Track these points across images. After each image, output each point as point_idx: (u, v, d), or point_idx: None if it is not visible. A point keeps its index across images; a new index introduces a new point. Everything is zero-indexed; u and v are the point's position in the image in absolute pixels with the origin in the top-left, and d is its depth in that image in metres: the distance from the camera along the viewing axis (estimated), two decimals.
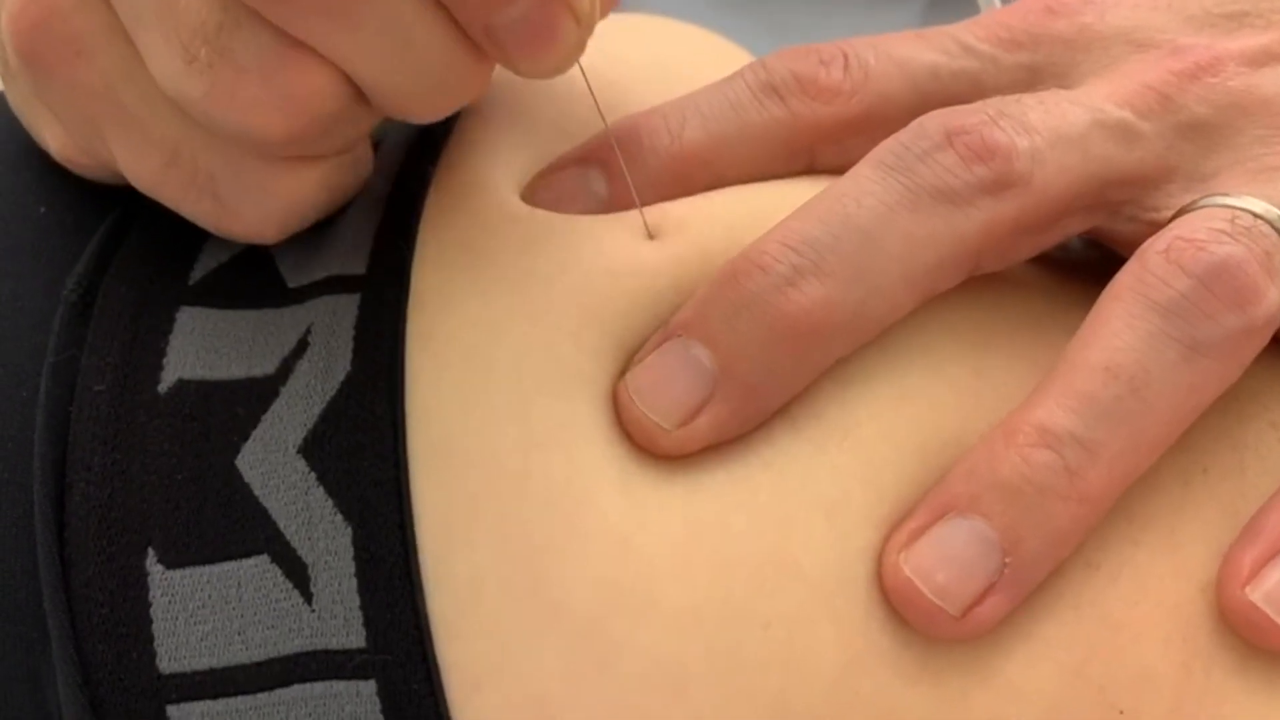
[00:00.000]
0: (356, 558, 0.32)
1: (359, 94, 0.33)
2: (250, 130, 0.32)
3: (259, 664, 0.32)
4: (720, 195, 0.36)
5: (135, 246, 0.36)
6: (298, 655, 0.32)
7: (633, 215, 0.35)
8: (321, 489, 0.33)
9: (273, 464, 0.33)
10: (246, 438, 0.33)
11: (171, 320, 0.35)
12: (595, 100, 0.34)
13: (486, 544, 0.32)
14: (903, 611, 0.32)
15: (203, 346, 0.34)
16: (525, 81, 0.35)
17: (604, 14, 0.35)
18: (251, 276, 0.36)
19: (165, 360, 0.34)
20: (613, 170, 0.36)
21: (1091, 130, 0.35)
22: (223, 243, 0.36)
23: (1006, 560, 0.32)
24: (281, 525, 0.33)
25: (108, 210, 0.37)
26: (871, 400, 0.34)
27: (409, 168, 0.37)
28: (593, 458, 0.33)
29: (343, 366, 0.34)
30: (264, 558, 0.32)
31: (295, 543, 0.32)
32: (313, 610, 0.32)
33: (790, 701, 0.32)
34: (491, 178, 0.36)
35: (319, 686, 0.32)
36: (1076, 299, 0.35)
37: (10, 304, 0.36)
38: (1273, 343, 0.34)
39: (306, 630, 0.32)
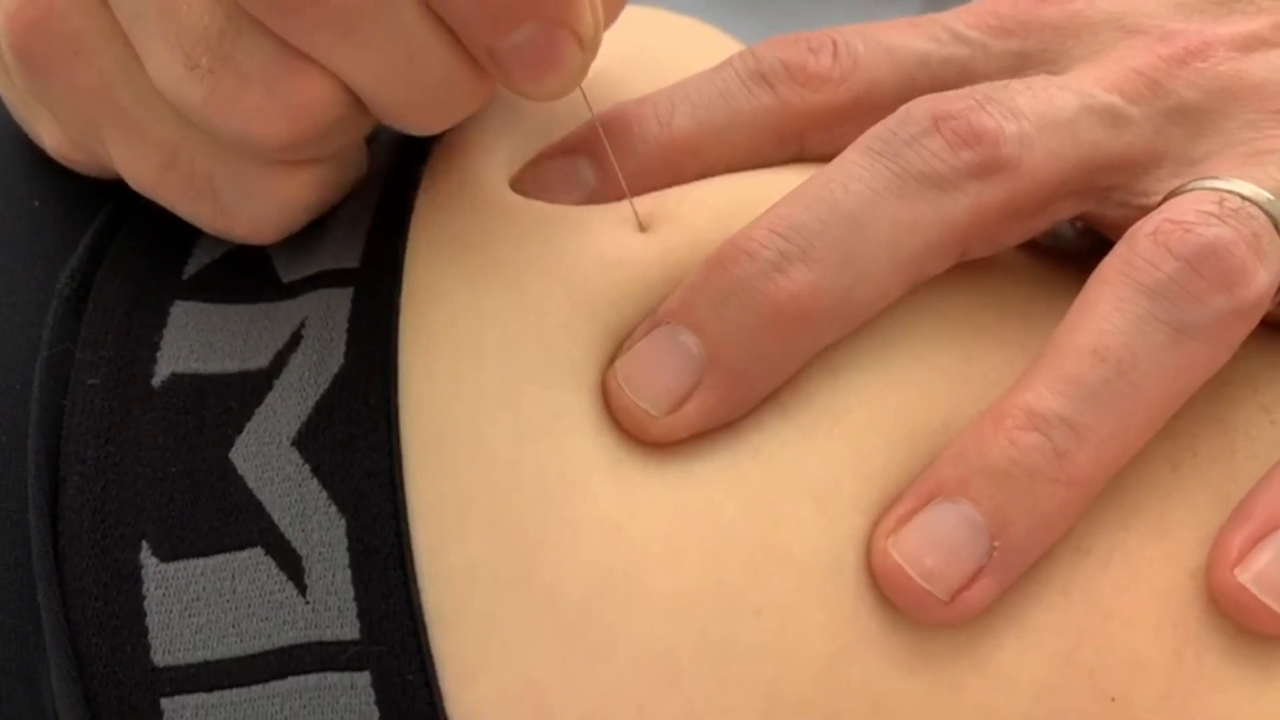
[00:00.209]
0: (351, 549, 0.32)
1: (358, 102, 0.33)
2: (250, 136, 0.32)
3: (253, 656, 0.32)
4: (710, 184, 0.36)
5: (129, 241, 0.37)
6: (292, 647, 0.32)
7: (623, 205, 0.35)
8: (315, 481, 0.33)
9: (267, 456, 0.33)
10: (240, 430, 0.33)
11: (165, 314, 0.35)
12: (583, 90, 0.34)
13: (479, 535, 0.32)
14: (891, 596, 0.32)
15: (196, 340, 0.35)
16: None
17: (607, 25, 0.35)
18: (245, 271, 0.36)
19: (159, 354, 0.34)
20: (602, 159, 0.36)
21: (1080, 115, 0.35)
22: (216, 238, 0.36)
23: (995, 544, 0.32)
24: (275, 517, 0.33)
25: (102, 205, 0.37)
26: (861, 387, 0.34)
27: (402, 162, 0.37)
28: (584, 447, 0.33)
29: (336, 359, 0.34)
30: (258, 550, 0.33)
31: (289, 535, 0.32)
32: (307, 602, 0.32)
33: (782, 688, 0.32)
34: (483, 169, 0.36)
35: (313, 678, 0.32)
36: (1066, 285, 0.35)
37: (4, 298, 0.36)
38: (1262, 325, 0.34)
39: (301, 622, 0.32)
